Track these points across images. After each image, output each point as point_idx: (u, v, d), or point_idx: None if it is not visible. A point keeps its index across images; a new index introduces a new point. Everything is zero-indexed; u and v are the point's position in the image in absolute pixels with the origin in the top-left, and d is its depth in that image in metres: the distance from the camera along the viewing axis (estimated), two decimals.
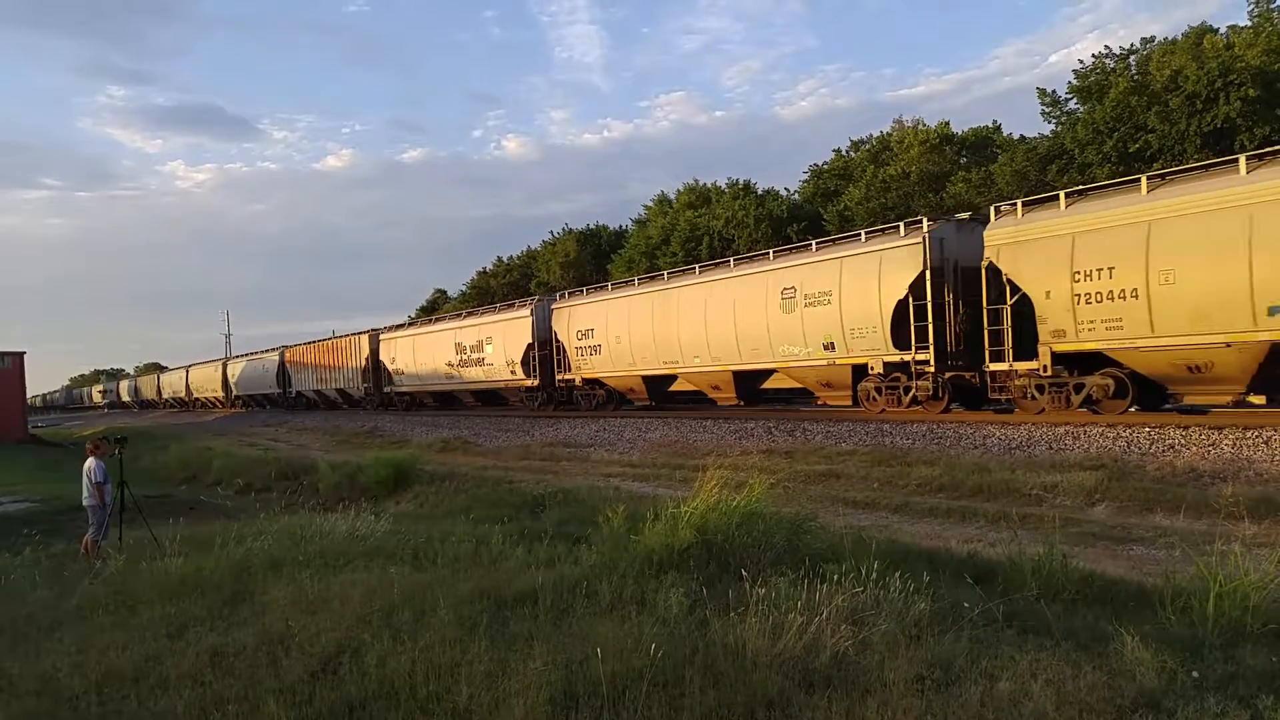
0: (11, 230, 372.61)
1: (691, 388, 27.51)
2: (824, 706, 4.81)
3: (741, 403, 25.79)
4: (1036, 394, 17.72)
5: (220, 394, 72.30)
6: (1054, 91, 38.00)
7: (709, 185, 54.95)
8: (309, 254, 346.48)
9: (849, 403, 21.93)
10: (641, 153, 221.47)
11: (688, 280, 26.68)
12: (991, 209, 19.09)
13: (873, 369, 20.60)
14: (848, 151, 50.50)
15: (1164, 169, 18.18)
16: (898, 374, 20.20)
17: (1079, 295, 16.14)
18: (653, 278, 30.47)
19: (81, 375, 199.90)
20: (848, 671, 5.29)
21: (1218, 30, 33.27)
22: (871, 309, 20.20)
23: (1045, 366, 16.97)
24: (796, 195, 52.40)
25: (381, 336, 45.75)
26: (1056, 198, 17.27)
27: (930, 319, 19.10)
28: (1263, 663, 5.23)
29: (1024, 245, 17.21)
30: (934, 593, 6.45)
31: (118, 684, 6.04)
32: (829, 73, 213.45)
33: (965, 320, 19.04)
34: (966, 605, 6.25)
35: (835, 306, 21.04)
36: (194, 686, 5.81)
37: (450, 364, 38.62)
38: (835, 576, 6.53)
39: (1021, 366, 17.50)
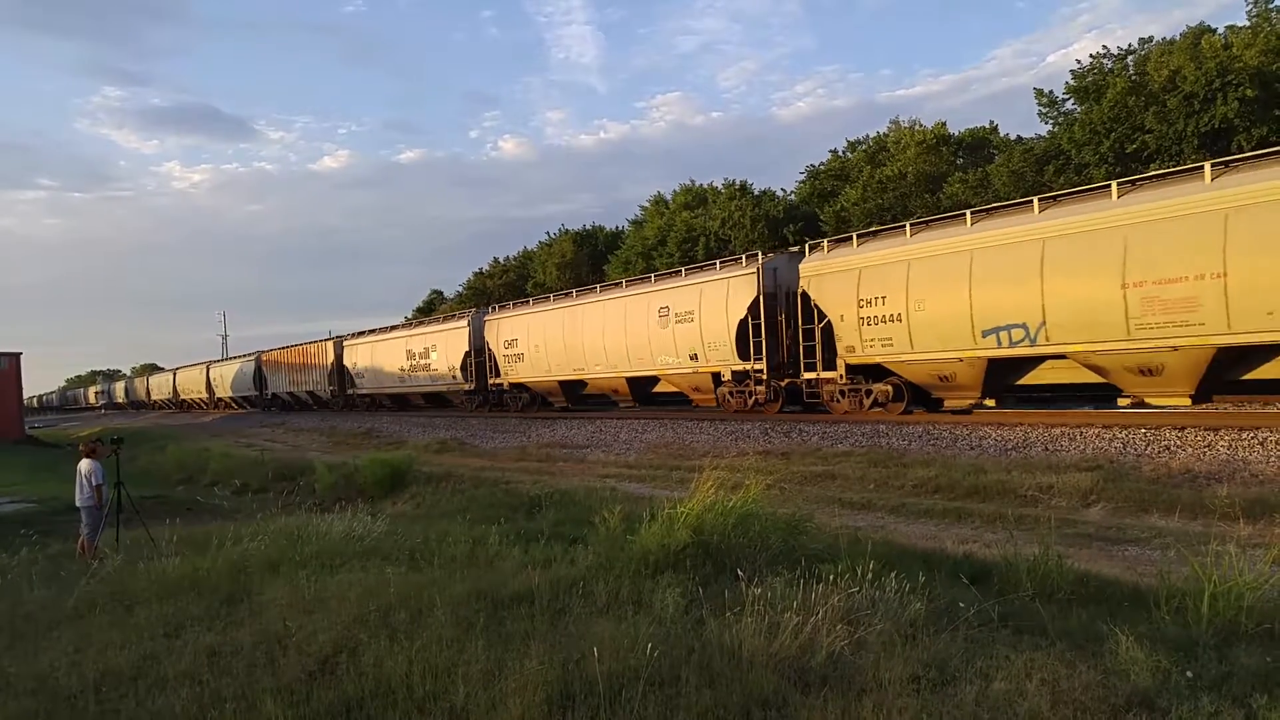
0: (7, 231, 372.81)
1: (598, 391, 31.38)
2: (820, 706, 4.82)
3: (636, 404, 29.99)
4: (840, 397, 21.43)
5: (205, 395, 74.85)
6: (1051, 92, 38.10)
7: (705, 186, 55.01)
8: (306, 255, 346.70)
9: (714, 404, 25.90)
10: (638, 154, 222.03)
11: (590, 298, 30.69)
12: (807, 246, 23.39)
13: (724, 376, 24.71)
14: (844, 152, 50.51)
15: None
16: (746, 380, 24.03)
17: (863, 318, 19.97)
18: (566, 294, 34.30)
19: (78, 376, 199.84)
20: (843, 671, 5.30)
21: (1216, 30, 33.35)
22: (722, 326, 24.12)
23: (842, 375, 21.03)
24: (793, 196, 52.41)
25: (345, 343, 49.42)
26: (850, 238, 21.61)
27: (764, 335, 23.01)
28: (1257, 662, 5.24)
29: (825, 277, 21.25)
30: (930, 593, 6.47)
31: (115, 683, 6.05)
32: (826, 73, 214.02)
33: (791, 337, 22.91)
34: (962, 605, 6.26)
35: (697, 324, 25.03)
36: (191, 685, 5.81)
37: (402, 369, 42.41)
38: (831, 577, 6.55)
39: (826, 375, 21.55)
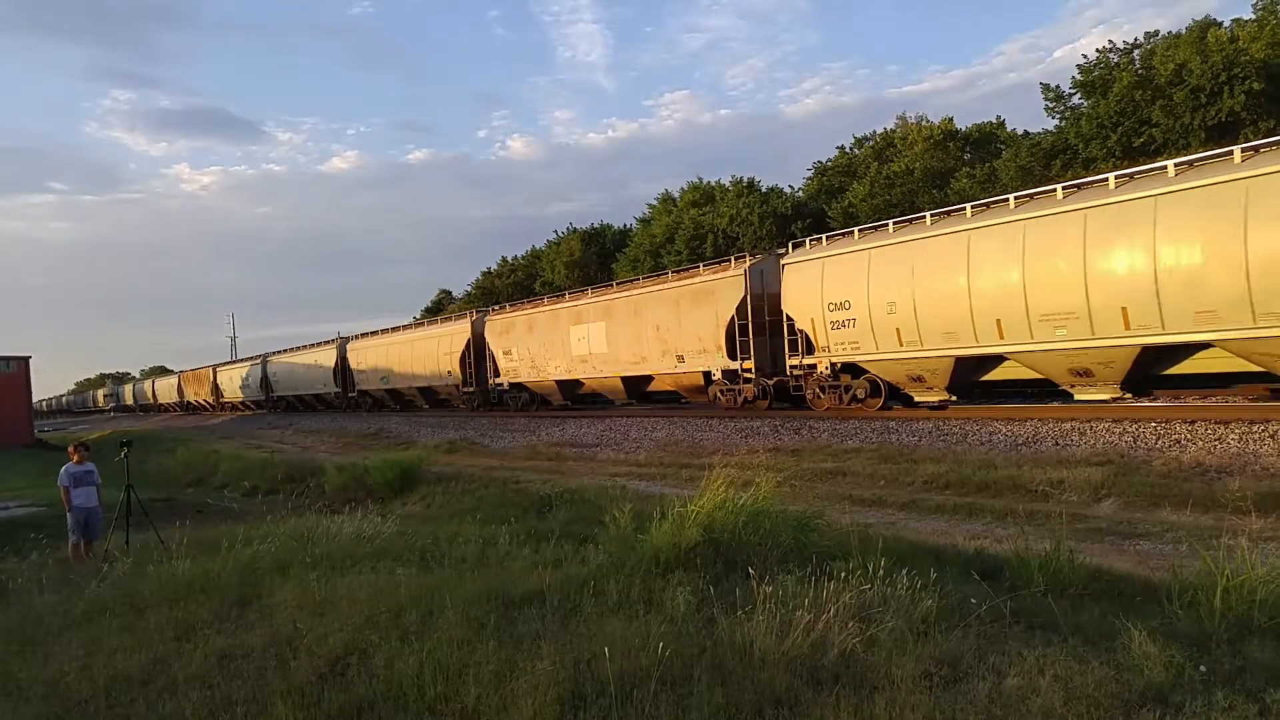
0: (18, 235, 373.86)
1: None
2: (832, 704, 4.81)
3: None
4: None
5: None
6: (1057, 87, 37.97)
7: (713, 183, 54.90)
8: (315, 256, 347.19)
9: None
10: (646, 152, 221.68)
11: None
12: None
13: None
14: (852, 148, 50.46)
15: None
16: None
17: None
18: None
19: (87, 379, 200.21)
20: (855, 669, 5.29)
21: (1222, 23, 33.21)
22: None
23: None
24: (801, 192, 52.34)
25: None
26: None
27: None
28: (1270, 656, 5.21)
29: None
30: (941, 589, 6.44)
31: (126, 687, 6.06)
32: (833, 70, 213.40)
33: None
34: (974, 601, 6.24)
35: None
36: (202, 689, 5.82)
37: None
38: (842, 574, 6.53)
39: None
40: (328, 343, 53.31)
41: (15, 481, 29.35)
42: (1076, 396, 17.57)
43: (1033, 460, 14.42)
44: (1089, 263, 15.84)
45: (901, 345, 19.49)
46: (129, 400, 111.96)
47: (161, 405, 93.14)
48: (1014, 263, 17.02)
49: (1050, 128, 38.53)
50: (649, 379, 28.92)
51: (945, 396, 19.78)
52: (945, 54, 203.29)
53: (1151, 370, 16.45)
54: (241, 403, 68.74)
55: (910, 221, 20.44)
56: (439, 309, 75.76)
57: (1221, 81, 30.07)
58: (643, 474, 18.81)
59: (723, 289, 24.69)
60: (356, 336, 50.47)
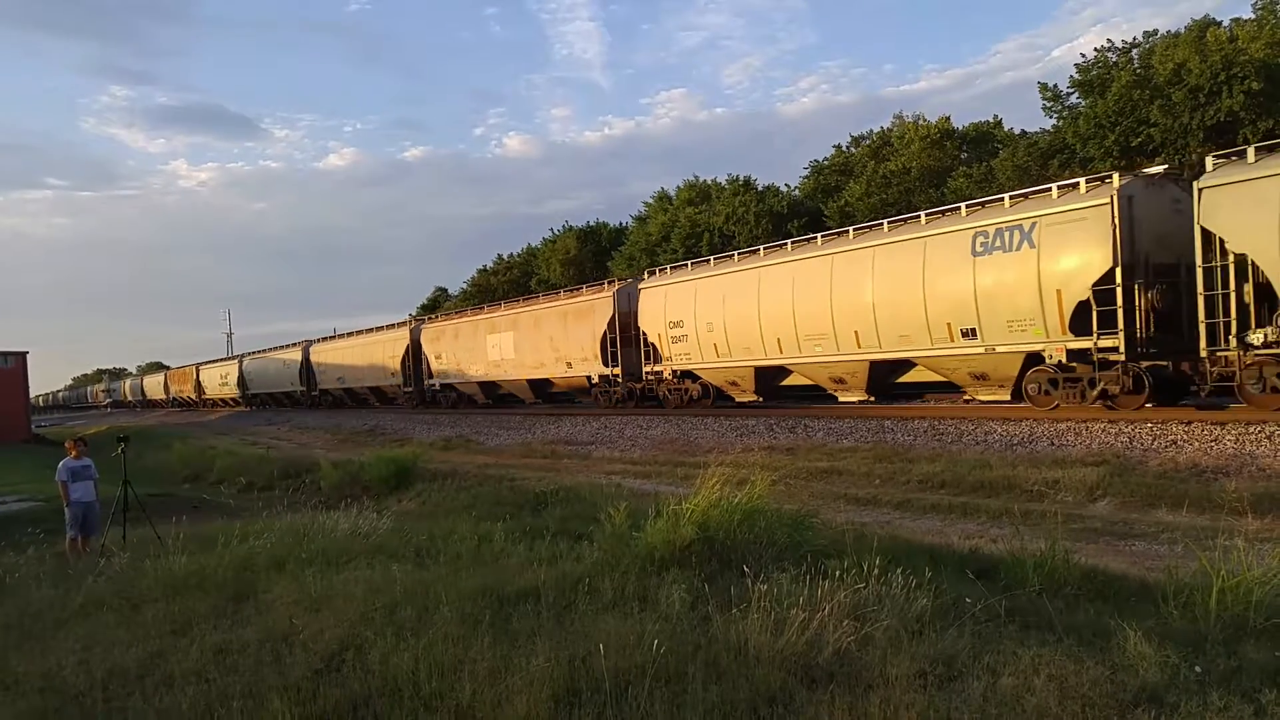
0: (16, 231, 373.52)
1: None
2: (826, 702, 4.82)
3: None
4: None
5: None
6: (1055, 86, 37.91)
7: (709, 182, 54.84)
8: (311, 253, 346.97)
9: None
10: (642, 150, 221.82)
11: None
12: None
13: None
14: (848, 147, 50.43)
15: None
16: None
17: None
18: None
19: (84, 375, 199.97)
20: (850, 667, 5.29)
21: (1221, 23, 33.16)
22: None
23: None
24: (797, 191, 52.32)
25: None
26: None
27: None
28: (1266, 657, 5.22)
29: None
30: (936, 588, 6.44)
31: (122, 681, 6.06)
32: (830, 69, 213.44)
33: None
34: (969, 601, 6.25)
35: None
36: (198, 683, 5.82)
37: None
38: (837, 573, 6.54)
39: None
40: (295, 344, 58.50)
41: (13, 476, 29.24)
42: (840, 399, 22.67)
43: (1028, 460, 14.44)
44: (834, 296, 21.02)
45: (718, 357, 24.82)
46: (125, 396, 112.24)
47: (153, 401, 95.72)
48: (787, 295, 22.30)
49: (1048, 127, 38.54)
50: (550, 382, 33.61)
51: (754, 398, 25.01)
52: (942, 53, 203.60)
53: (888, 379, 21.36)
54: (222, 399, 72.01)
55: (731, 256, 25.91)
56: (434, 307, 75.72)
57: (1220, 81, 30.03)
58: (638, 472, 18.82)
59: (599, 307, 29.64)
60: (319, 339, 56.01)
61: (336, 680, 5.68)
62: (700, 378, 26.13)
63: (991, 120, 45.96)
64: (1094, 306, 16.05)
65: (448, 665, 5.54)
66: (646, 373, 27.91)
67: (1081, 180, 16.93)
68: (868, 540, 8.26)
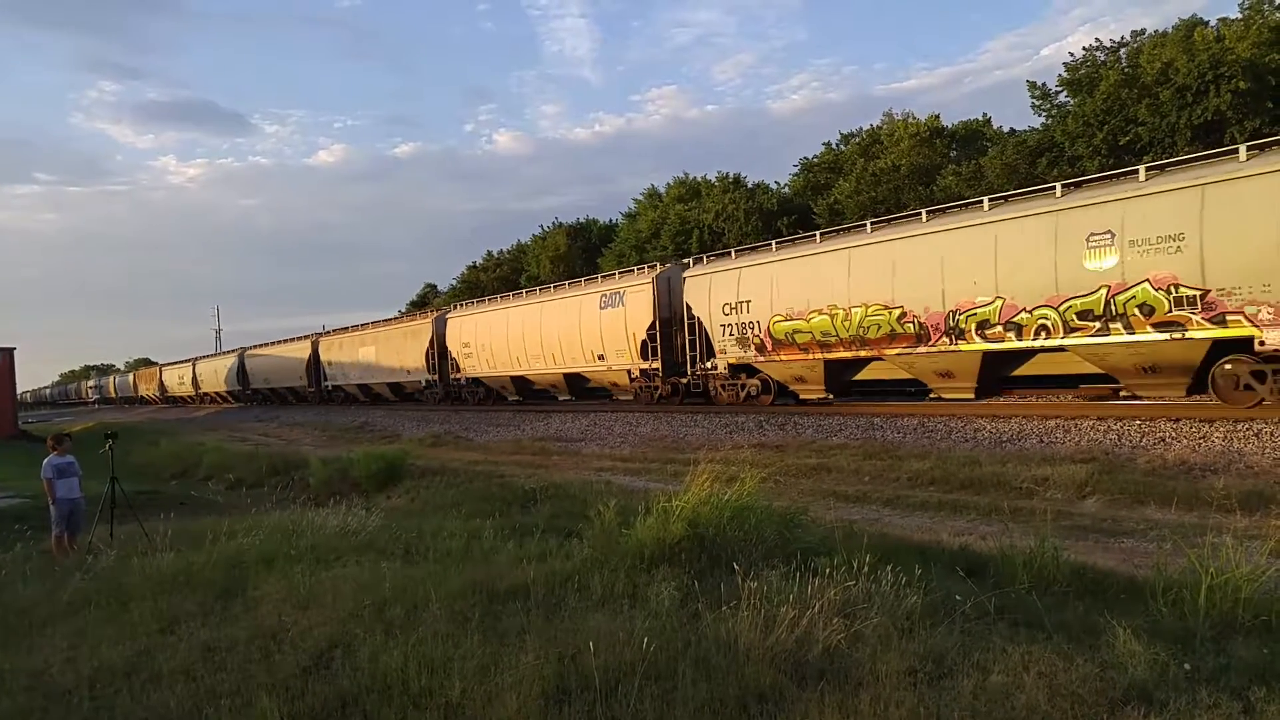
0: (4, 226, 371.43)
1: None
2: (816, 699, 4.81)
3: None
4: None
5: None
6: (1044, 85, 38.05)
7: (699, 179, 54.86)
8: (301, 249, 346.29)
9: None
10: (633, 147, 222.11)
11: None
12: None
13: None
14: (838, 145, 50.42)
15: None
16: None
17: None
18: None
19: (72, 371, 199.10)
20: (840, 664, 5.29)
21: (1208, 23, 33.31)
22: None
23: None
24: (787, 189, 52.36)
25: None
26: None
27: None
28: (1254, 654, 5.23)
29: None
30: (926, 586, 6.45)
31: (110, 679, 6.03)
32: (820, 67, 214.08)
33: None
34: (958, 598, 6.25)
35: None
36: (186, 681, 5.79)
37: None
38: (827, 570, 6.54)
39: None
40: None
41: None
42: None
43: (1017, 457, 14.47)
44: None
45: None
46: (112, 393, 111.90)
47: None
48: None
49: (1037, 125, 38.67)
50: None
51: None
52: (932, 51, 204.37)
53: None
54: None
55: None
56: (424, 303, 75.67)
57: (1208, 81, 30.16)
58: (628, 469, 18.80)
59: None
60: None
61: (325, 678, 5.65)
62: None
63: (981, 118, 46.09)
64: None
65: (437, 663, 5.52)
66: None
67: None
68: (857, 537, 8.26)
